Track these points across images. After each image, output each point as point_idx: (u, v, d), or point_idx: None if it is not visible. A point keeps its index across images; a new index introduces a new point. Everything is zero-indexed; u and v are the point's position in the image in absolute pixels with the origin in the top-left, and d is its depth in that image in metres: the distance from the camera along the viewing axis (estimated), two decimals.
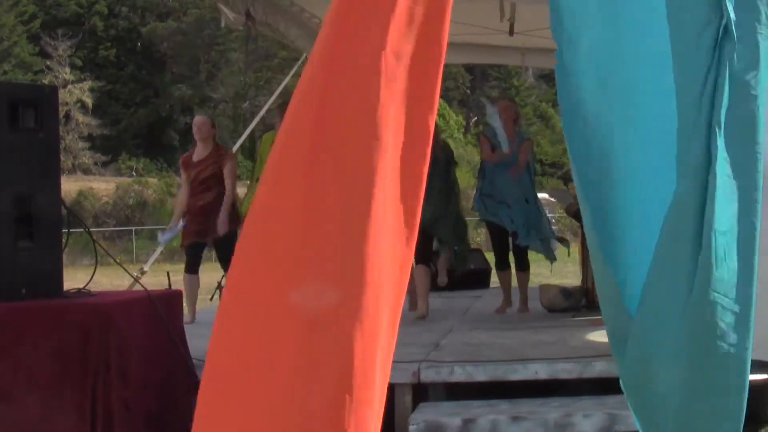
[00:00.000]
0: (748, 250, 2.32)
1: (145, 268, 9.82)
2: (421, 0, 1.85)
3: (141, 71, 53.83)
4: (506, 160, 7.65)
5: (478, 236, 25.76)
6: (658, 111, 2.40)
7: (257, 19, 9.69)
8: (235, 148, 14.26)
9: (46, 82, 43.54)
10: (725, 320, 2.29)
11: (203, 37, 52.54)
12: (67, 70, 50.15)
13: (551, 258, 7.87)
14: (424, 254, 7.67)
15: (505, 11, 7.53)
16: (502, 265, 7.83)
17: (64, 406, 4.32)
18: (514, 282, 7.96)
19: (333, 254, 1.78)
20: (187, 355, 5.05)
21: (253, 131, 12.93)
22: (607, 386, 4.93)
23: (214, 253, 8.26)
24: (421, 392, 4.95)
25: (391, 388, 4.95)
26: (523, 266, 7.80)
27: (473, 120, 52.73)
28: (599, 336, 6.02)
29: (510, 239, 7.64)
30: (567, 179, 9.29)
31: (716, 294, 2.26)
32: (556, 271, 13.66)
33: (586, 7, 2.65)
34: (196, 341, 5.78)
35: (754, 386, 5.45)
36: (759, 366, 4.32)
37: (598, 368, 4.90)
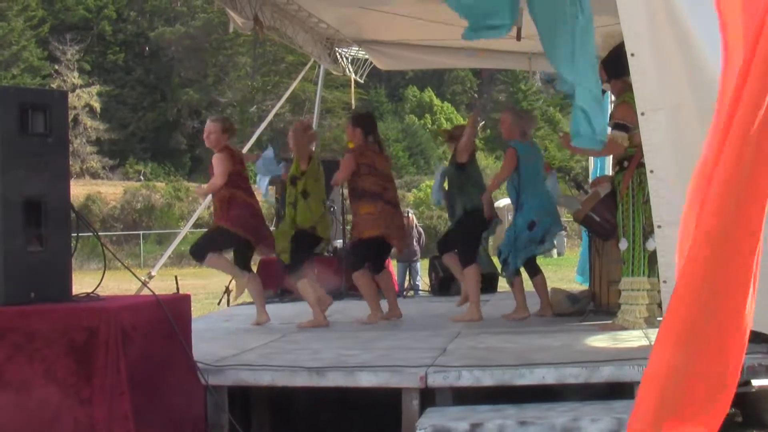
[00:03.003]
0: None
1: (153, 273, 9.86)
2: None
3: (149, 75, 53.98)
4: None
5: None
6: None
7: (265, 23, 9.72)
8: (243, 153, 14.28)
9: (54, 86, 43.68)
10: None
11: (211, 41, 52.68)
12: (75, 74, 50.33)
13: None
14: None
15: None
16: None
17: (74, 409, 4.33)
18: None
19: None
20: (193, 359, 5.06)
21: (260, 135, 12.95)
22: (614, 391, 4.93)
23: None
24: (429, 397, 4.95)
25: (398, 393, 4.96)
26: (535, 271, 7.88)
27: (481, 124, 52.72)
28: (607, 341, 6.02)
29: None
30: (578, 183, 9.27)
31: None
32: (565, 276, 13.66)
33: None
34: (204, 346, 5.81)
35: (755, 392, 5.44)
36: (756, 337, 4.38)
37: (606, 373, 4.89)
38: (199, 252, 7.61)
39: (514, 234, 7.59)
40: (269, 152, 8.69)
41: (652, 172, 4.75)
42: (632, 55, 4.63)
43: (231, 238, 7.55)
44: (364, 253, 7.91)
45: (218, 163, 7.49)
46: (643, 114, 4.69)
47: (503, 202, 34.01)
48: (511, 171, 7.63)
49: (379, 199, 7.80)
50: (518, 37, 7.41)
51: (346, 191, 9.67)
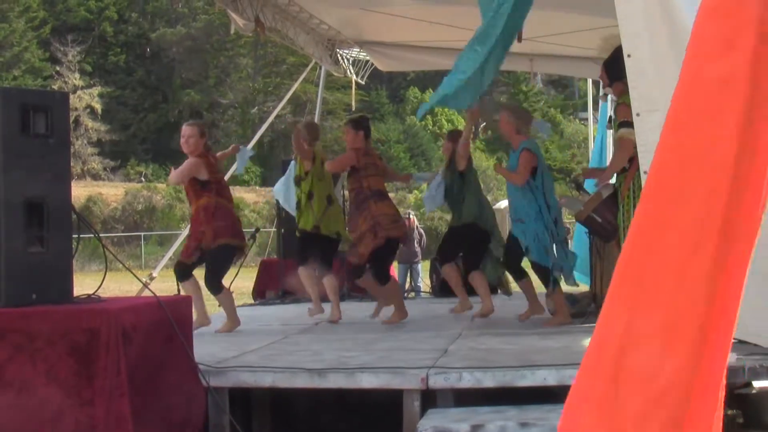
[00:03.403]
0: None
1: (154, 274, 9.87)
2: None
3: (150, 77, 54.01)
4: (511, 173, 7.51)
5: None
6: None
7: (266, 25, 9.74)
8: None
9: (55, 87, 43.73)
10: None
11: (212, 42, 52.71)
12: (77, 75, 50.35)
13: (569, 281, 7.56)
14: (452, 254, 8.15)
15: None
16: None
17: (75, 410, 4.34)
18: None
19: None
20: (194, 361, 5.06)
21: (261, 136, 12.97)
22: None
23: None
24: (430, 398, 4.95)
25: (400, 394, 4.96)
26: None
27: (482, 125, 52.73)
28: None
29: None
30: (578, 185, 9.34)
31: None
32: None
33: None
34: (205, 347, 5.81)
35: (756, 393, 5.44)
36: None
37: None
38: (215, 285, 7.42)
39: (552, 238, 7.30)
40: (247, 151, 8.67)
41: (645, 173, 4.75)
42: (629, 56, 4.62)
43: (232, 251, 7.47)
44: (391, 255, 8.10)
45: (190, 164, 7.29)
46: (638, 115, 4.68)
47: (504, 203, 34.11)
48: (528, 176, 7.33)
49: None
50: (519, 39, 7.42)
51: (346, 192, 9.69)
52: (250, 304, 10.50)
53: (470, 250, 8.07)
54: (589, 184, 9.68)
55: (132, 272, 5.69)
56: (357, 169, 7.76)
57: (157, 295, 5.01)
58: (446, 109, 53.88)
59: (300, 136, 7.93)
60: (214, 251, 7.30)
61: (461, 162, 7.94)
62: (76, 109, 46.23)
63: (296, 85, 14.95)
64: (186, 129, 7.52)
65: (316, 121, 10.08)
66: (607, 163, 9.70)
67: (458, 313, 8.32)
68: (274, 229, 13.92)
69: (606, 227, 6.87)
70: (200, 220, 7.32)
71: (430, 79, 54.04)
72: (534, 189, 7.34)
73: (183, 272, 7.36)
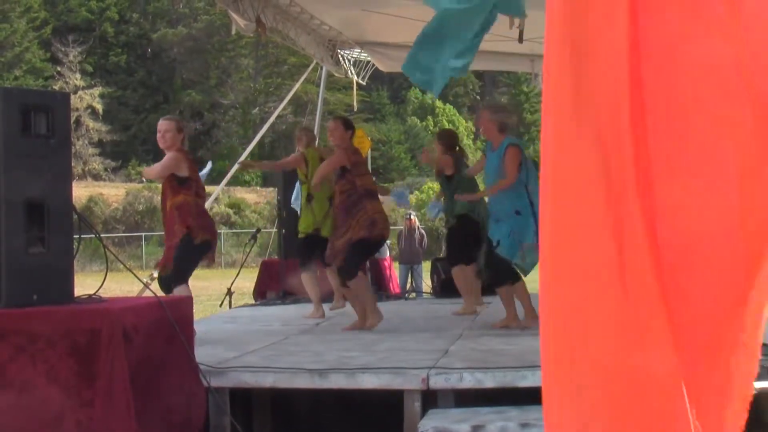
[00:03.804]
0: None
1: (155, 274, 9.87)
2: None
3: (151, 77, 54.04)
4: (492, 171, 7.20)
5: None
6: None
7: (267, 25, 9.74)
8: (245, 154, 14.33)
9: (56, 87, 43.74)
10: None
11: (213, 43, 52.74)
12: (78, 76, 50.38)
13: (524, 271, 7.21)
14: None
15: (514, 19, 7.55)
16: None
17: (75, 410, 4.34)
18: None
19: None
20: (195, 361, 5.06)
21: (262, 137, 12.98)
22: None
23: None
24: (431, 399, 4.96)
25: (401, 395, 4.96)
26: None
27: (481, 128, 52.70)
28: None
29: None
30: None
31: None
32: None
33: None
34: (206, 347, 5.81)
35: (757, 394, 5.44)
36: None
37: None
38: (181, 277, 6.82)
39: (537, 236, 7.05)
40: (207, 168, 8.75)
41: None
42: None
43: (206, 250, 7.00)
44: (370, 254, 7.94)
45: (170, 158, 6.84)
46: None
47: None
48: (517, 173, 6.96)
49: None
50: (520, 39, 7.42)
51: None
52: (251, 305, 10.50)
53: (464, 242, 8.15)
54: None
55: (133, 272, 5.69)
56: (348, 170, 7.46)
57: (158, 295, 5.01)
58: (447, 110, 53.94)
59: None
60: (197, 245, 6.87)
61: (446, 169, 8.29)
62: (77, 109, 46.25)
63: (297, 86, 14.97)
64: (162, 123, 7.02)
65: (316, 122, 10.11)
66: None
67: (460, 315, 8.33)
68: (275, 230, 13.91)
69: None
70: (174, 219, 6.82)
71: None
72: (519, 185, 7.00)
73: (169, 286, 6.84)
